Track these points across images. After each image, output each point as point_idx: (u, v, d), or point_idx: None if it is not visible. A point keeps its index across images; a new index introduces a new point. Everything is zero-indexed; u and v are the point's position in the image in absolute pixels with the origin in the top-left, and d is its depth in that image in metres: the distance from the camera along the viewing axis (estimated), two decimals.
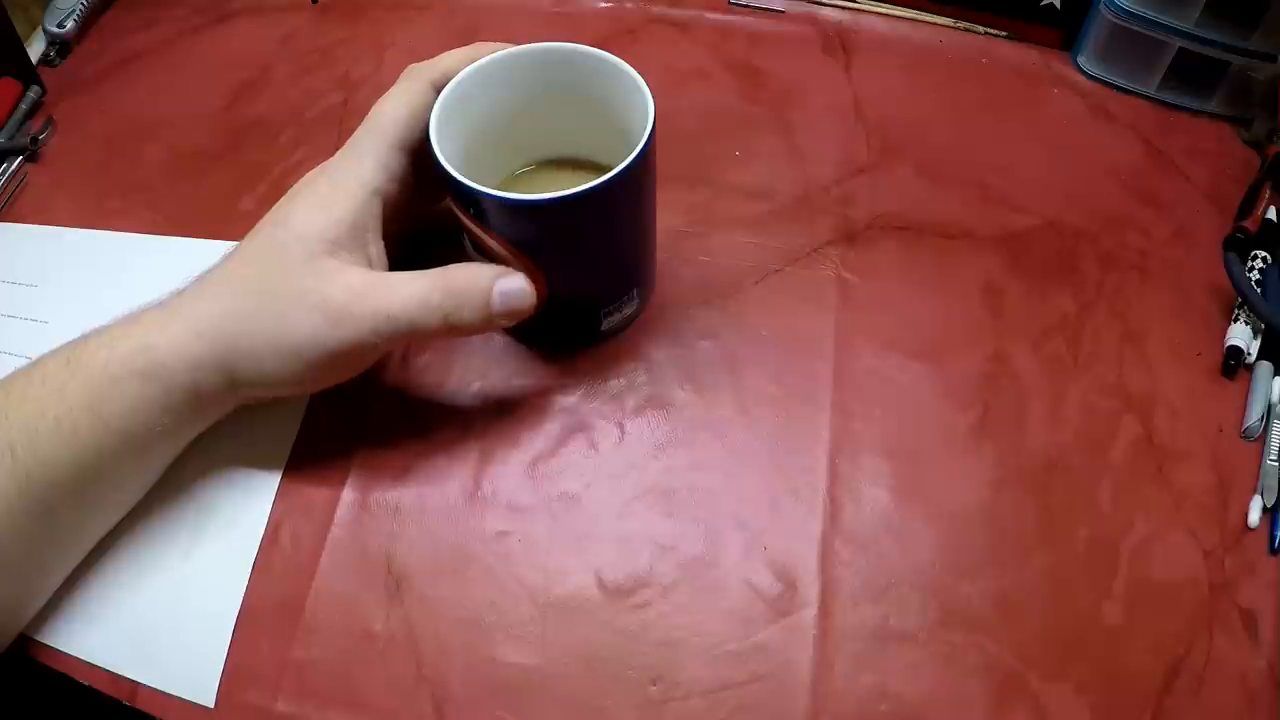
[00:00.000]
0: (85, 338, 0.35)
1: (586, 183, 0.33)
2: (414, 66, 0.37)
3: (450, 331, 0.35)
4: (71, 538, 0.36)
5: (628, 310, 0.42)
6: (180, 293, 0.36)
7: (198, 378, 0.34)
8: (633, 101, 0.36)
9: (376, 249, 0.36)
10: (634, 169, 0.34)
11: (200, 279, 0.36)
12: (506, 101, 0.38)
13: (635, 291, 0.41)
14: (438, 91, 0.36)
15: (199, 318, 0.34)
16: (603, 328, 0.42)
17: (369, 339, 0.34)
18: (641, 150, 0.34)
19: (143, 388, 0.34)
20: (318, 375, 0.35)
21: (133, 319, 0.35)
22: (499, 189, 0.38)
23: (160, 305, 0.35)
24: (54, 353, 0.35)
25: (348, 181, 0.35)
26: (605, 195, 0.34)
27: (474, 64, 0.37)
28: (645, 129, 0.34)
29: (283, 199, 0.36)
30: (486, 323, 0.35)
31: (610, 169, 0.34)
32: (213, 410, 0.37)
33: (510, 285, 0.35)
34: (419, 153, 0.36)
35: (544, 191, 0.33)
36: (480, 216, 0.35)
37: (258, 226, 0.36)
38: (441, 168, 0.34)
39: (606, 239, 0.38)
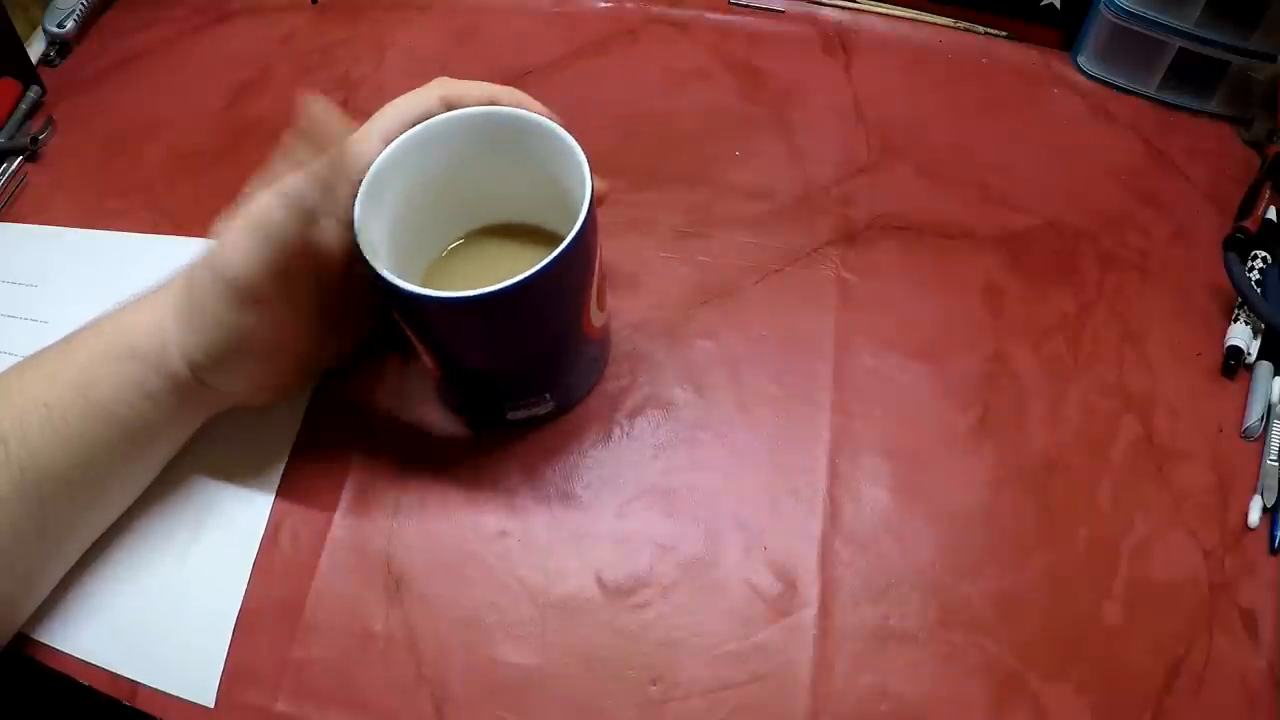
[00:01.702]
0: (82, 327, 0.36)
1: (478, 288, 0.31)
2: (444, 79, 0.37)
3: (304, 213, 0.32)
4: (66, 534, 0.36)
5: (538, 409, 0.40)
6: (170, 278, 0.36)
7: (166, 358, 0.34)
8: (571, 173, 0.34)
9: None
10: (536, 278, 0.31)
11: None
12: (445, 167, 0.37)
13: (548, 395, 0.39)
14: (447, 108, 0.36)
15: (171, 295, 0.35)
16: (508, 418, 0.40)
17: (242, 269, 0.32)
18: (560, 254, 0.31)
19: (125, 369, 0.34)
20: (233, 335, 0.34)
21: (123, 305, 0.36)
22: (440, 256, 0.39)
23: (149, 291, 0.36)
24: (52, 344, 0.35)
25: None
26: (487, 304, 0.31)
27: (409, 131, 0.35)
28: (580, 217, 0.32)
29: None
30: (308, 173, 0.32)
31: (557, 237, 0.32)
32: (193, 401, 0.36)
33: (308, 110, 0.32)
34: None
35: (469, 268, 0.33)
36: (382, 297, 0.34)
37: None
38: (354, 237, 0.33)
39: (499, 343, 0.35)
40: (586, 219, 0.32)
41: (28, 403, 0.33)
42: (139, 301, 0.36)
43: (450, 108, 0.36)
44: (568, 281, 0.34)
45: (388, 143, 0.35)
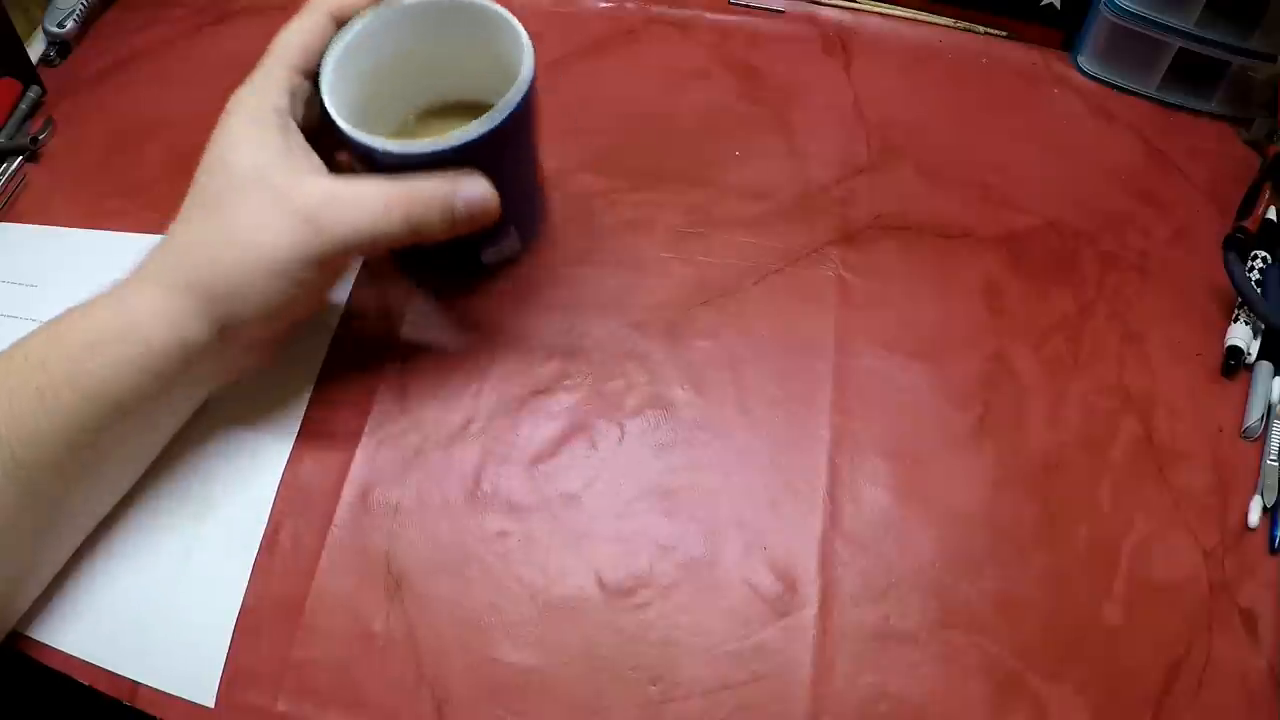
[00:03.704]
0: (65, 313, 0.35)
1: (461, 131, 0.35)
2: None
3: (415, 238, 0.35)
4: (61, 521, 0.36)
5: (507, 247, 0.44)
6: (150, 255, 0.36)
7: (182, 332, 0.34)
8: (517, 51, 0.37)
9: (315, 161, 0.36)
10: (503, 125, 0.35)
11: (166, 236, 0.36)
12: (397, 51, 0.40)
13: (513, 230, 0.43)
14: (337, 24, 0.38)
15: (171, 271, 0.35)
16: (484, 260, 0.43)
17: (342, 250, 0.35)
18: (515, 105, 0.35)
19: (123, 349, 0.34)
20: (295, 293, 0.35)
21: (108, 290, 0.35)
22: (394, 134, 0.41)
23: (133, 272, 0.36)
24: (34, 332, 0.35)
25: (264, 113, 0.36)
26: (476, 148, 0.35)
27: (361, 21, 0.38)
28: (525, 81, 0.36)
29: (211, 147, 0.36)
30: (451, 228, 0.36)
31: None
32: (199, 370, 0.36)
33: (473, 192, 0.35)
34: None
35: (433, 137, 0.35)
36: (358, 159, 0.37)
37: (197, 178, 0.36)
38: (329, 117, 0.36)
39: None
40: (531, 65, 0.37)
41: (18, 388, 0.33)
42: (128, 282, 0.35)
43: (340, 22, 0.38)
44: (530, 118, 0.39)
45: (312, 78, 0.37)
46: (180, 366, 0.35)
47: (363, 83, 0.39)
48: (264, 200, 0.34)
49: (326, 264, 0.35)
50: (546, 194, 0.47)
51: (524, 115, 0.37)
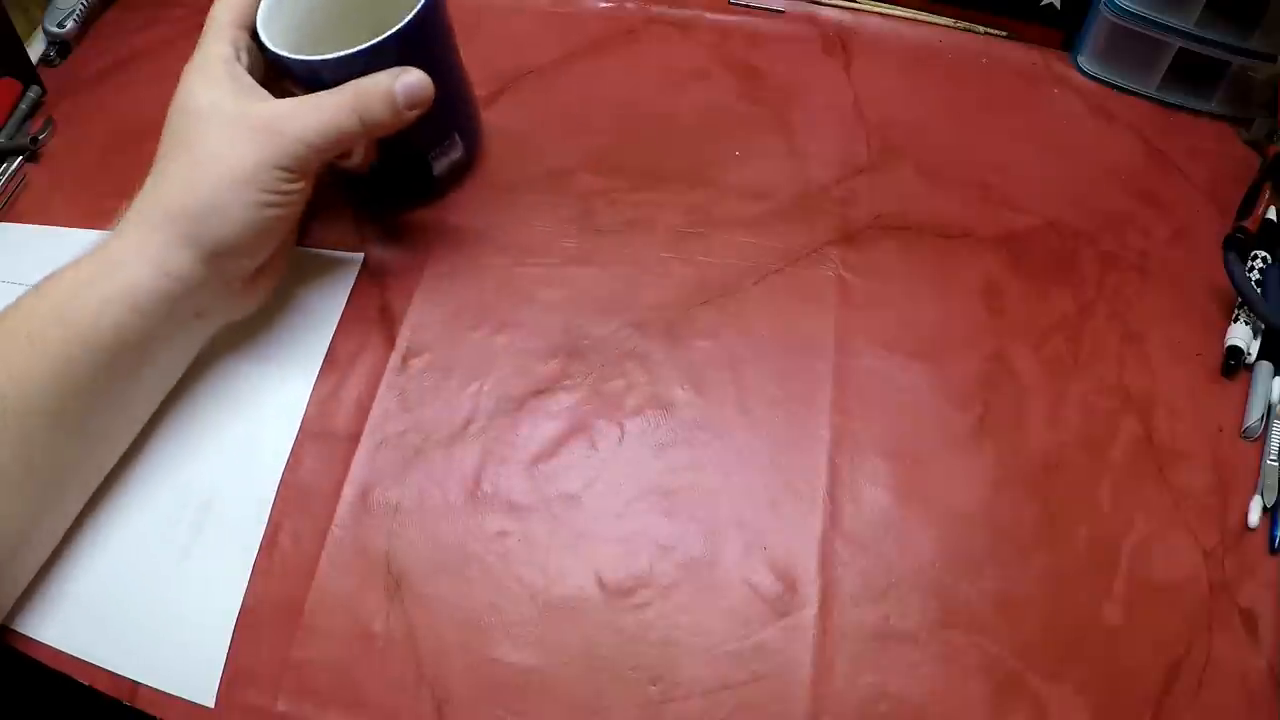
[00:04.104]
0: (52, 272, 0.36)
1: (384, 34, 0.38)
2: None
3: (369, 131, 0.38)
4: (55, 479, 0.36)
5: (455, 155, 0.46)
6: (128, 210, 0.37)
7: (165, 265, 0.35)
8: None
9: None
10: (413, 25, 0.38)
11: (141, 192, 0.38)
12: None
13: (458, 137, 0.46)
14: None
15: (148, 212, 0.36)
16: (435, 173, 0.46)
17: (305, 152, 0.37)
18: (423, 3, 0.38)
19: (106, 288, 0.35)
20: (268, 203, 0.37)
21: (91, 248, 0.37)
22: None
23: (114, 228, 0.37)
24: (26, 291, 0.36)
25: (211, 62, 0.38)
26: (401, 43, 0.38)
27: None
28: None
29: (171, 105, 0.39)
30: (396, 116, 0.38)
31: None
32: (190, 305, 0.37)
33: (409, 79, 0.38)
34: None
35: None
36: (301, 83, 0.40)
37: (162, 136, 0.38)
38: (261, 44, 0.39)
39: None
40: None
41: (7, 336, 0.34)
42: (110, 237, 0.36)
43: None
44: (444, 23, 0.42)
45: (234, 25, 0.39)
46: (167, 302, 0.36)
47: (299, 28, 0.41)
48: (224, 124, 0.37)
49: (293, 170, 0.37)
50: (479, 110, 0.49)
51: (435, 15, 0.40)
